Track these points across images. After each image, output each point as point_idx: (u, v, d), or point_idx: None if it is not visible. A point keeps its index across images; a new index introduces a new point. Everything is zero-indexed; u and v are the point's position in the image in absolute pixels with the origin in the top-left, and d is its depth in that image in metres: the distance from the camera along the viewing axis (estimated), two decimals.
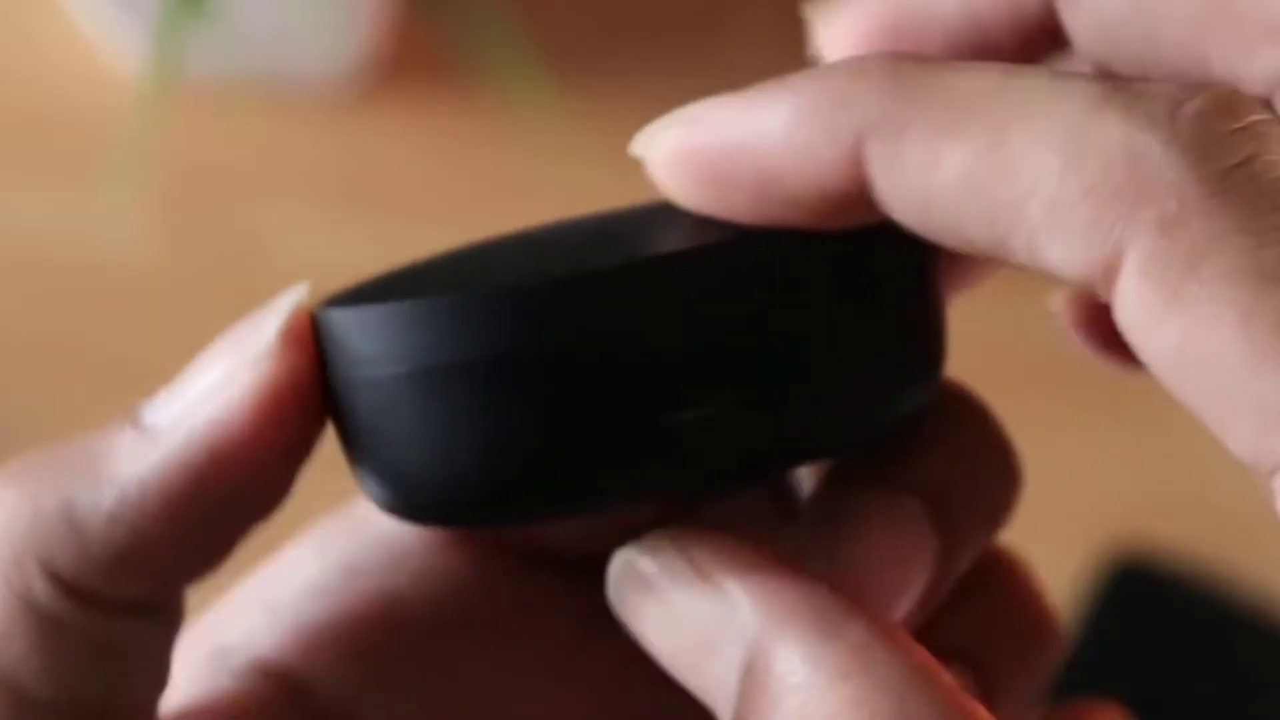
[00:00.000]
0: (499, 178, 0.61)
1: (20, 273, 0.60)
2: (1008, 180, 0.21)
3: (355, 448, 0.25)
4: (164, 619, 0.26)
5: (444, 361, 0.23)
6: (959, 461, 0.27)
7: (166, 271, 0.60)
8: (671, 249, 0.23)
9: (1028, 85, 0.22)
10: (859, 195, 0.23)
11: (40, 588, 0.24)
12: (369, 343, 0.24)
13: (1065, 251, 0.21)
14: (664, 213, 0.25)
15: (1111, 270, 0.21)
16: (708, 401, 0.23)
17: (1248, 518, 0.57)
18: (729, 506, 0.29)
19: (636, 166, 0.25)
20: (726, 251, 0.23)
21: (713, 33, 0.63)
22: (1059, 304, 0.29)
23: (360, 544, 0.28)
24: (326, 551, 0.29)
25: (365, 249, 0.61)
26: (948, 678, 0.23)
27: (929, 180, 0.22)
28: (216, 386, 0.24)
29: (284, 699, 0.28)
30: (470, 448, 0.23)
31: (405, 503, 0.25)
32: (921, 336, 0.25)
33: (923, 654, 0.23)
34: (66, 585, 0.24)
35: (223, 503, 0.24)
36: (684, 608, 0.24)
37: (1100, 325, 0.28)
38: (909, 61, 0.23)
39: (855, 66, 0.23)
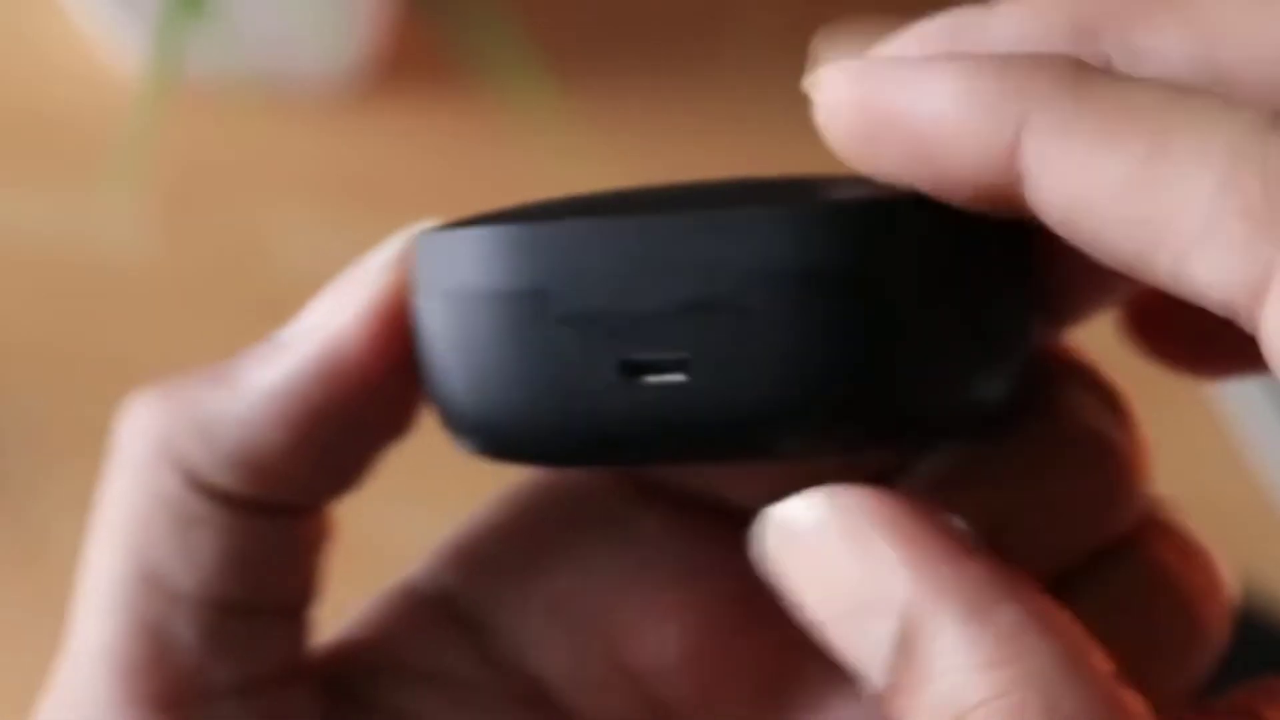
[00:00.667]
0: (499, 177, 0.61)
1: (20, 273, 0.60)
2: (1165, 191, 0.21)
3: (423, 378, 0.26)
4: (304, 527, 0.27)
5: (479, 288, 0.24)
6: (1033, 484, 0.27)
7: (166, 271, 0.60)
8: (734, 210, 0.23)
9: (1198, 102, 0.22)
10: (1009, 184, 0.23)
11: (175, 483, 0.26)
12: (430, 265, 0.25)
13: (1212, 269, 0.21)
14: (830, 183, 0.25)
15: (1261, 290, 0.21)
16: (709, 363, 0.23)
17: (1248, 518, 0.57)
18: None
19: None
20: (779, 215, 0.23)
21: (713, 33, 0.63)
22: (1122, 308, 0.29)
23: (542, 484, 0.30)
24: (508, 490, 0.30)
25: (365, 249, 0.61)
26: (1104, 665, 0.23)
27: (1085, 182, 0.22)
28: (337, 306, 0.26)
29: (458, 628, 0.29)
30: (509, 384, 0.24)
31: (468, 438, 0.25)
32: (997, 338, 0.25)
33: (1079, 640, 0.23)
34: (199, 483, 0.26)
35: (344, 416, 0.26)
36: (838, 569, 0.24)
37: (1166, 331, 0.28)
38: (1086, 65, 0.23)
39: (1034, 59, 0.23)
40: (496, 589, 0.29)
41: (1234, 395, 0.58)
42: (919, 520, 0.23)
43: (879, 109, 0.23)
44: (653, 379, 0.23)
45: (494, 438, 0.25)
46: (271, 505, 0.27)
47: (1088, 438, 0.27)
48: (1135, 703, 0.23)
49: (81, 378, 0.58)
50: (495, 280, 0.24)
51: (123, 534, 0.26)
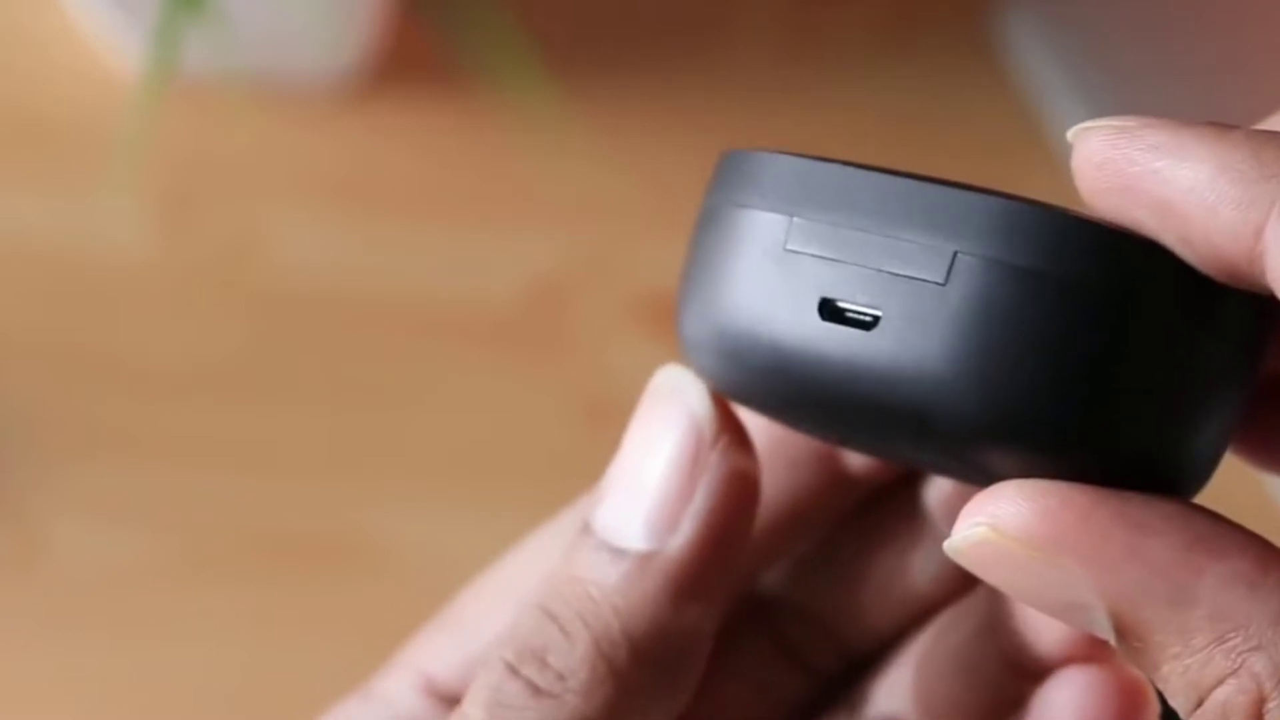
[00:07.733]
0: (497, 177, 0.61)
1: (20, 273, 0.60)
2: None
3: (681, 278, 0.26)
4: None
5: (741, 203, 0.25)
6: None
7: (165, 270, 0.60)
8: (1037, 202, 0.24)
9: None
10: (1249, 259, 0.23)
11: None
12: (720, 177, 0.26)
13: None
14: None
15: None
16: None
17: (1247, 517, 0.57)
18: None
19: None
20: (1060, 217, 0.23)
21: (713, 32, 0.63)
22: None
23: None
24: None
25: (363, 248, 0.61)
26: None
27: None
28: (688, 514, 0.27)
29: None
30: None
31: (687, 342, 0.26)
32: (1195, 402, 0.24)
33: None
34: None
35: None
36: (1028, 580, 0.24)
37: (1265, 444, 0.28)
38: None
39: None
40: None
41: None
42: (1087, 519, 0.23)
43: (1133, 173, 0.23)
44: (839, 327, 0.24)
45: (705, 347, 0.26)
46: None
47: None
48: None
49: (81, 377, 0.58)
50: (751, 200, 0.25)
51: None
